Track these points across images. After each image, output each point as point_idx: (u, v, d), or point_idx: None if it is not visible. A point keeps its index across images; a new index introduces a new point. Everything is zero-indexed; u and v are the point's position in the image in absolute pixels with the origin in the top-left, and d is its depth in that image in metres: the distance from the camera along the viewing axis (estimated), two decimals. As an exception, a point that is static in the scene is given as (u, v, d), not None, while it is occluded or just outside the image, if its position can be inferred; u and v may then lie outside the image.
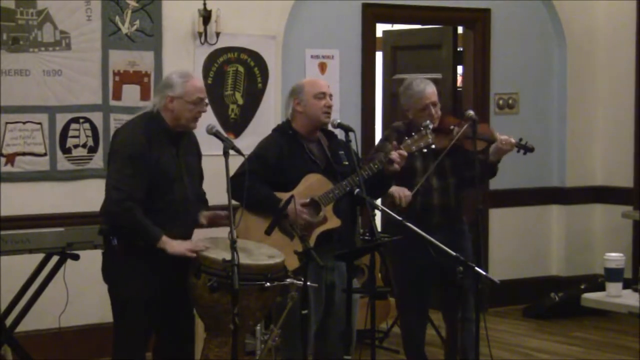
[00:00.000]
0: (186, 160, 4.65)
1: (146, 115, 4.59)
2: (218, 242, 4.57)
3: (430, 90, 5.47)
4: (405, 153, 4.93)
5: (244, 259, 4.23)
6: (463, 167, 5.47)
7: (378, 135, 8.33)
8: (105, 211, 4.51)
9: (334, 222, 4.86)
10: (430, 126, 5.00)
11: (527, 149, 5.54)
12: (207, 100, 4.65)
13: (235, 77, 6.96)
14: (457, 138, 5.39)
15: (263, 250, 4.59)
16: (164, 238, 4.46)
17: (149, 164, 4.46)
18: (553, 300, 7.93)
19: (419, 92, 5.45)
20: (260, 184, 4.85)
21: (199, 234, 4.71)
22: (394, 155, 4.89)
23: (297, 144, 4.95)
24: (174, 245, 4.46)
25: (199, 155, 4.80)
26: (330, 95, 4.99)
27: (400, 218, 4.65)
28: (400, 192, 5.31)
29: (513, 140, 5.42)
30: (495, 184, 7.43)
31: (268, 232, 4.74)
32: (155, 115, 4.56)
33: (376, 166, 4.89)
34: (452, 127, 5.43)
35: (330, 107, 4.96)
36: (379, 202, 4.97)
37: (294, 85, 5.09)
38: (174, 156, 4.58)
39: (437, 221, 5.39)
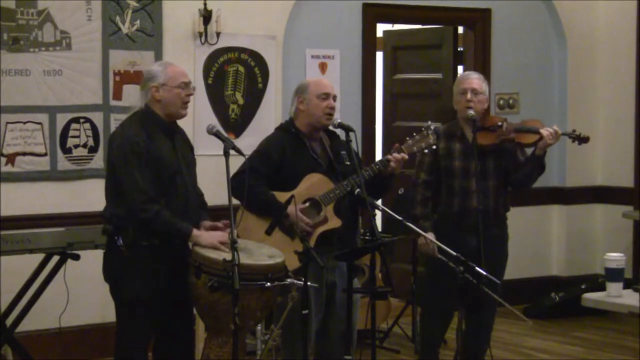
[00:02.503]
0: (183, 154, 4.64)
1: (137, 113, 4.57)
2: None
3: (475, 77, 5.48)
4: (406, 156, 4.92)
5: (244, 259, 4.22)
6: (508, 169, 5.46)
7: (378, 135, 8.35)
8: (135, 220, 4.44)
9: (334, 222, 4.86)
10: (432, 126, 4.99)
11: (581, 140, 5.54)
12: (193, 86, 4.63)
13: (236, 77, 6.96)
14: (505, 134, 5.39)
15: (263, 251, 4.59)
16: (195, 232, 4.47)
17: (152, 158, 4.46)
18: (553, 300, 7.93)
19: (462, 76, 5.49)
20: (261, 183, 4.85)
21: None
22: (391, 156, 4.89)
23: (300, 143, 4.96)
24: (207, 237, 4.47)
25: (192, 150, 4.79)
26: (334, 97, 4.98)
27: (400, 218, 4.65)
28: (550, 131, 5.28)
29: (556, 130, 5.38)
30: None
31: (268, 232, 4.74)
32: (145, 110, 4.55)
33: (377, 167, 4.89)
34: (499, 123, 5.42)
35: (332, 108, 4.95)
36: (379, 202, 4.97)
37: (299, 83, 5.10)
38: (171, 149, 4.57)
39: (473, 224, 5.28)
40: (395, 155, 4.90)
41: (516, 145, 5.44)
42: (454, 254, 4.49)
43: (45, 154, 6.32)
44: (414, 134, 4.99)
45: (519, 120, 5.78)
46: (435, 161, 5.42)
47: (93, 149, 6.45)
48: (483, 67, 8.05)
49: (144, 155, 4.43)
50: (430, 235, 5.19)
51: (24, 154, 6.26)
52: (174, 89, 4.52)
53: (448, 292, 5.34)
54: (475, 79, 5.45)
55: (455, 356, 5.56)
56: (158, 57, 6.60)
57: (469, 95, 5.36)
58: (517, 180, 5.52)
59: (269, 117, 7.00)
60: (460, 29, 8.45)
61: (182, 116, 4.62)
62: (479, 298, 4.92)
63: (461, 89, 5.41)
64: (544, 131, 5.34)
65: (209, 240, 4.45)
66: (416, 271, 6.90)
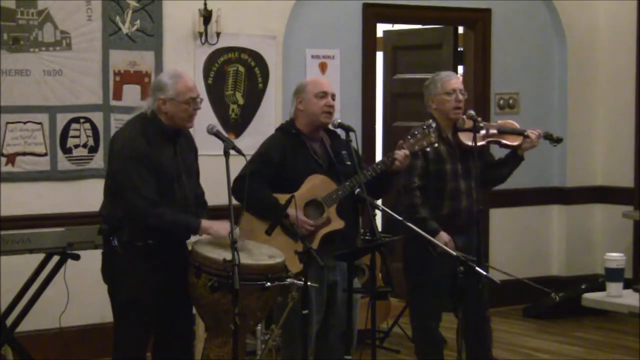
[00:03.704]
0: (184, 159, 4.64)
1: (141, 117, 4.58)
2: (219, 242, 4.56)
3: (457, 77, 5.58)
4: (408, 152, 4.93)
5: (244, 259, 4.23)
6: (488, 167, 5.53)
7: (378, 135, 8.35)
8: (139, 223, 4.46)
9: (338, 224, 4.86)
10: (433, 125, 5.00)
11: (555, 141, 5.64)
12: (200, 98, 4.62)
13: (236, 77, 6.96)
14: (491, 135, 5.47)
15: (263, 250, 4.59)
16: (204, 223, 4.48)
17: (152, 164, 4.46)
18: (553, 300, 7.92)
19: (446, 76, 5.49)
20: (262, 186, 4.84)
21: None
22: (398, 154, 4.89)
23: (300, 144, 4.96)
24: (219, 228, 4.48)
25: (194, 153, 4.79)
26: (333, 96, 4.99)
27: (400, 218, 4.64)
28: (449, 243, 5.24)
29: (540, 132, 5.50)
30: (495, 184, 7.43)
31: (268, 233, 4.73)
32: (150, 116, 4.55)
33: (379, 167, 4.89)
34: (481, 124, 5.44)
35: (331, 107, 4.95)
36: (379, 201, 4.96)
37: (298, 84, 5.11)
38: (172, 156, 4.57)
39: (463, 224, 5.34)
40: (399, 153, 4.90)
41: (486, 153, 5.56)
42: (454, 254, 4.49)
43: (45, 154, 6.32)
44: (415, 133, 4.99)
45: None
46: (426, 165, 5.39)
47: (93, 149, 6.45)
48: (483, 67, 8.06)
49: (143, 160, 4.44)
50: (444, 235, 5.23)
51: (24, 154, 6.26)
52: (181, 104, 4.52)
53: (440, 290, 5.35)
54: (458, 79, 5.52)
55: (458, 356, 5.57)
56: (158, 57, 6.61)
57: (460, 96, 5.38)
58: (494, 179, 5.64)
59: (269, 117, 7.00)
60: (460, 29, 8.45)
61: (188, 127, 4.65)
62: (477, 296, 4.94)
63: (449, 89, 5.39)
64: (532, 134, 5.44)
65: (221, 231, 4.45)
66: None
